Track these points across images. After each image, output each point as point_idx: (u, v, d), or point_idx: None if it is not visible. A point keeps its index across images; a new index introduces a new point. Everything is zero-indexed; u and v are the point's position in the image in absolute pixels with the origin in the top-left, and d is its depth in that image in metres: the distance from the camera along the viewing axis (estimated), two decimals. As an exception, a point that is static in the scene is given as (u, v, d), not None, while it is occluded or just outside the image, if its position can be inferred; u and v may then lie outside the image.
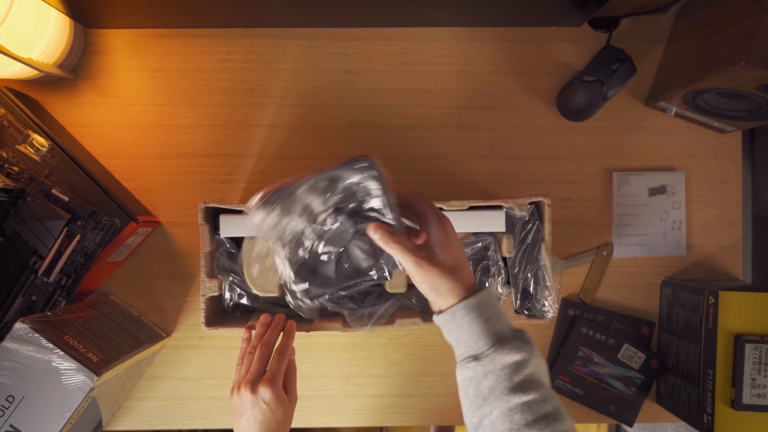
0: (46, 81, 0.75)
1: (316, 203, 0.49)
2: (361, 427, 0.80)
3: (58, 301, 0.67)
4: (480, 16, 0.75)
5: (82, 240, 0.66)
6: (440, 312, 0.51)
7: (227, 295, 0.67)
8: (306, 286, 0.51)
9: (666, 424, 1.32)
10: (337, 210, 0.49)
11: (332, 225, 0.49)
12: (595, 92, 0.73)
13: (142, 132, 0.77)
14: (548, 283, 0.66)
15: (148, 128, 0.77)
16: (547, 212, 0.66)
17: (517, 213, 0.66)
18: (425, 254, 0.49)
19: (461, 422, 0.80)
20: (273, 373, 0.57)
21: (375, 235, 0.49)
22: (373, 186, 0.48)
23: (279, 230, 0.49)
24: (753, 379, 0.65)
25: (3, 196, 0.64)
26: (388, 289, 0.65)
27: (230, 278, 0.66)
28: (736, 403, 0.65)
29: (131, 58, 0.77)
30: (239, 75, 0.77)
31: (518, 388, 0.46)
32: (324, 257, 0.50)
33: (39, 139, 0.68)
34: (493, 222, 0.66)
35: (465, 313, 0.49)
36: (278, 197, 0.48)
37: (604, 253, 0.78)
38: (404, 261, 0.48)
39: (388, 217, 0.48)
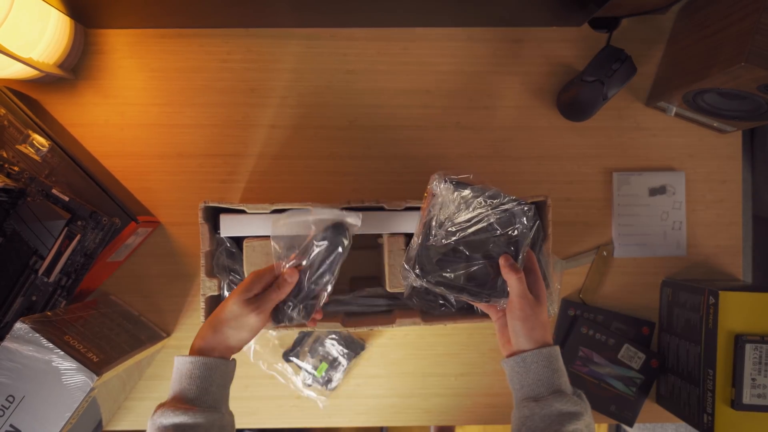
0: (46, 81, 0.75)
1: (480, 209, 0.56)
2: (361, 427, 0.80)
3: (58, 301, 0.67)
4: (480, 16, 0.75)
5: (82, 240, 0.66)
6: (511, 355, 0.56)
7: (226, 294, 0.67)
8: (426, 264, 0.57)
9: (666, 424, 1.32)
10: (489, 225, 0.56)
11: (478, 234, 0.56)
12: (595, 92, 0.73)
13: (142, 132, 0.77)
14: (548, 283, 0.66)
15: (148, 128, 0.77)
16: (548, 212, 0.66)
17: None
18: (530, 295, 0.56)
19: (461, 422, 0.80)
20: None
21: (504, 261, 0.55)
22: (525, 225, 0.56)
23: (446, 209, 0.56)
24: (753, 379, 0.65)
25: (3, 196, 0.64)
26: (389, 289, 0.65)
27: (229, 277, 0.66)
28: (736, 403, 0.65)
29: (131, 58, 0.77)
30: (239, 75, 0.77)
31: None
32: (452, 254, 0.57)
33: (39, 139, 0.68)
34: None
35: (535, 360, 0.54)
36: (469, 187, 0.56)
37: (604, 253, 0.78)
38: (517, 288, 0.55)
39: (520, 257, 0.56)
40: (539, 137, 0.79)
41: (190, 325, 0.77)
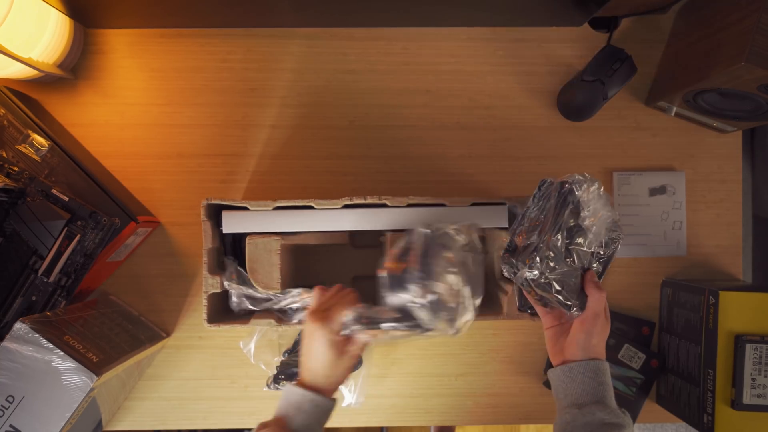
0: (46, 81, 0.75)
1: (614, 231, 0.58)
2: (361, 427, 0.80)
3: (58, 301, 0.67)
4: (480, 16, 0.75)
5: (81, 240, 0.66)
6: (560, 364, 0.56)
7: (232, 288, 0.67)
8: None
9: (666, 424, 1.32)
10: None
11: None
12: (595, 92, 0.73)
13: (142, 132, 0.77)
14: None
15: (148, 128, 0.77)
16: None
17: (520, 210, 0.66)
18: (605, 314, 0.57)
19: (461, 422, 0.80)
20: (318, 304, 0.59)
21: (591, 277, 0.57)
22: (616, 249, 0.58)
23: (594, 217, 0.57)
24: (753, 379, 0.65)
25: (3, 196, 0.64)
26: None
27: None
28: (737, 403, 0.65)
29: (131, 58, 0.77)
30: (239, 75, 0.77)
31: None
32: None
33: (39, 139, 0.68)
34: (496, 217, 0.66)
35: (581, 370, 0.54)
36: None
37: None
38: (598, 306, 0.56)
39: (603, 276, 0.58)
40: (539, 137, 0.79)
41: (190, 325, 0.77)
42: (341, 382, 0.58)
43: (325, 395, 0.56)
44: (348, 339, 0.57)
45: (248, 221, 0.65)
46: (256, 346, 0.76)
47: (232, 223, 0.65)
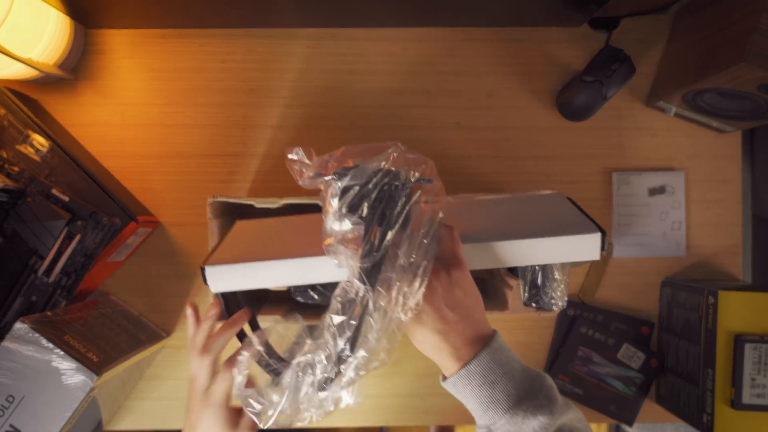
0: (46, 81, 0.75)
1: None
2: (361, 427, 0.80)
3: (58, 301, 0.67)
4: (480, 16, 0.76)
5: (82, 240, 0.66)
6: (445, 379, 0.46)
7: None
8: None
9: (666, 424, 1.32)
10: None
11: None
12: (594, 92, 0.73)
13: (142, 132, 0.77)
14: (556, 276, 0.66)
15: (148, 128, 0.77)
16: None
17: None
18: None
19: (461, 422, 0.80)
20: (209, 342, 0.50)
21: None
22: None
23: None
24: (753, 379, 0.65)
25: (3, 196, 0.64)
26: None
27: None
28: (736, 403, 0.65)
29: (131, 58, 0.77)
30: (239, 75, 0.77)
31: None
32: None
33: (39, 139, 0.68)
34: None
35: (467, 383, 0.43)
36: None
37: (604, 253, 0.78)
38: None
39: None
40: (539, 137, 0.79)
41: (190, 325, 0.77)
42: None
43: None
44: (241, 411, 0.48)
45: (242, 276, 0.51)
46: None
47: (220, 280, 0.51)
